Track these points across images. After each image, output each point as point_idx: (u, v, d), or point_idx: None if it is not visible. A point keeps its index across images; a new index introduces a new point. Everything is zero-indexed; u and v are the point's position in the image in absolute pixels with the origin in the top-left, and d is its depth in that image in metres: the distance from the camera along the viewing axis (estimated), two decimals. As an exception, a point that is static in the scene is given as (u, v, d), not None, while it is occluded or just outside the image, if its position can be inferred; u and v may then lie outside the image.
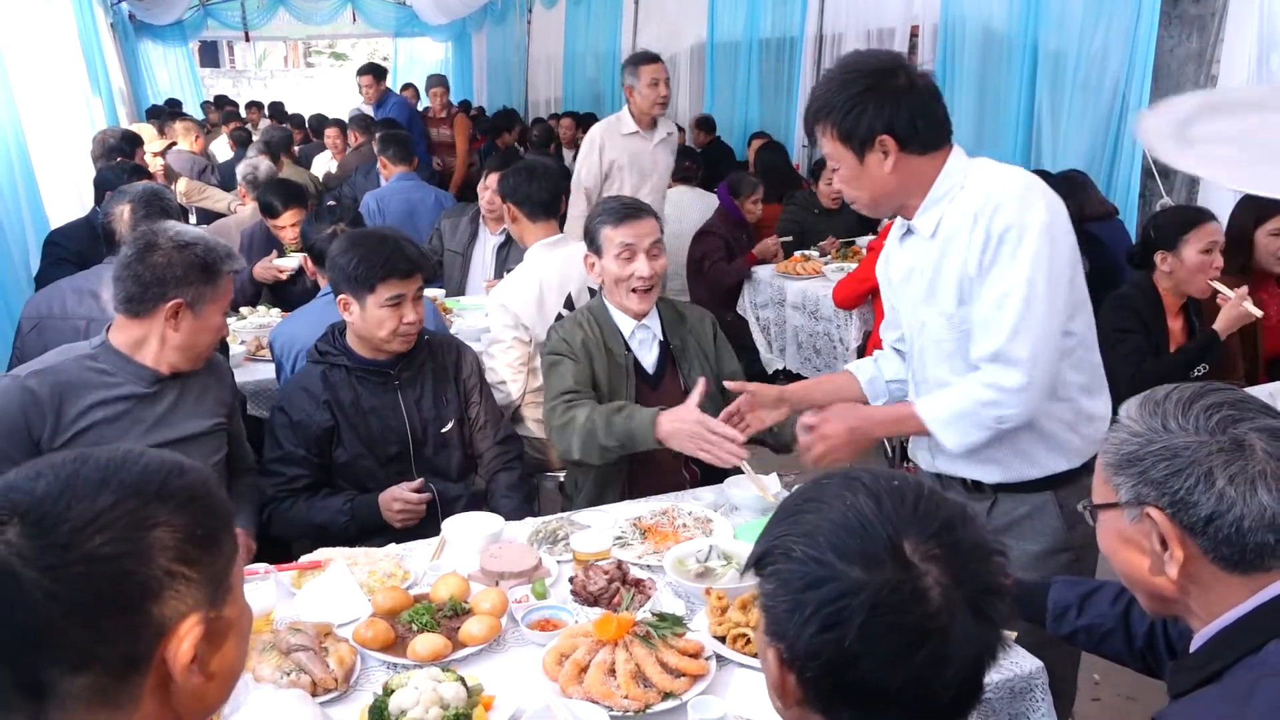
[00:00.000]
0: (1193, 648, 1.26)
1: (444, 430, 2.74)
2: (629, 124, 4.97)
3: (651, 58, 4.98)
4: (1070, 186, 4.58)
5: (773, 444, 2.69)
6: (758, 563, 1.05)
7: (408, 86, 12.88)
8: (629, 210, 2.73)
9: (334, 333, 2.72)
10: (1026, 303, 1.90)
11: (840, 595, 0.95)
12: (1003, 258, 1.91)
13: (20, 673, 0.88)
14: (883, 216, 2.17)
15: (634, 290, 2.71)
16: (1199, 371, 3.23)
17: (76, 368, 2.32)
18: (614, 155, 4.94)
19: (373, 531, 2.56)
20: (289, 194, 4.51)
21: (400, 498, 2.56)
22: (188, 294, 2.30)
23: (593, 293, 3.36)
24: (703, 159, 6.96)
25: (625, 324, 2.77)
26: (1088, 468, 2.03)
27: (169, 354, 2.36)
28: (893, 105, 1.93)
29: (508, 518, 2.42)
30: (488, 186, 4.43)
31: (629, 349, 2.76)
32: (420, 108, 10.02)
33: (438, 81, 9.80)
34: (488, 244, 4.59)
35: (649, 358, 2.79)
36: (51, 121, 6.26)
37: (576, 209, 4.79)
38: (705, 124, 8.66)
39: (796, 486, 1.14)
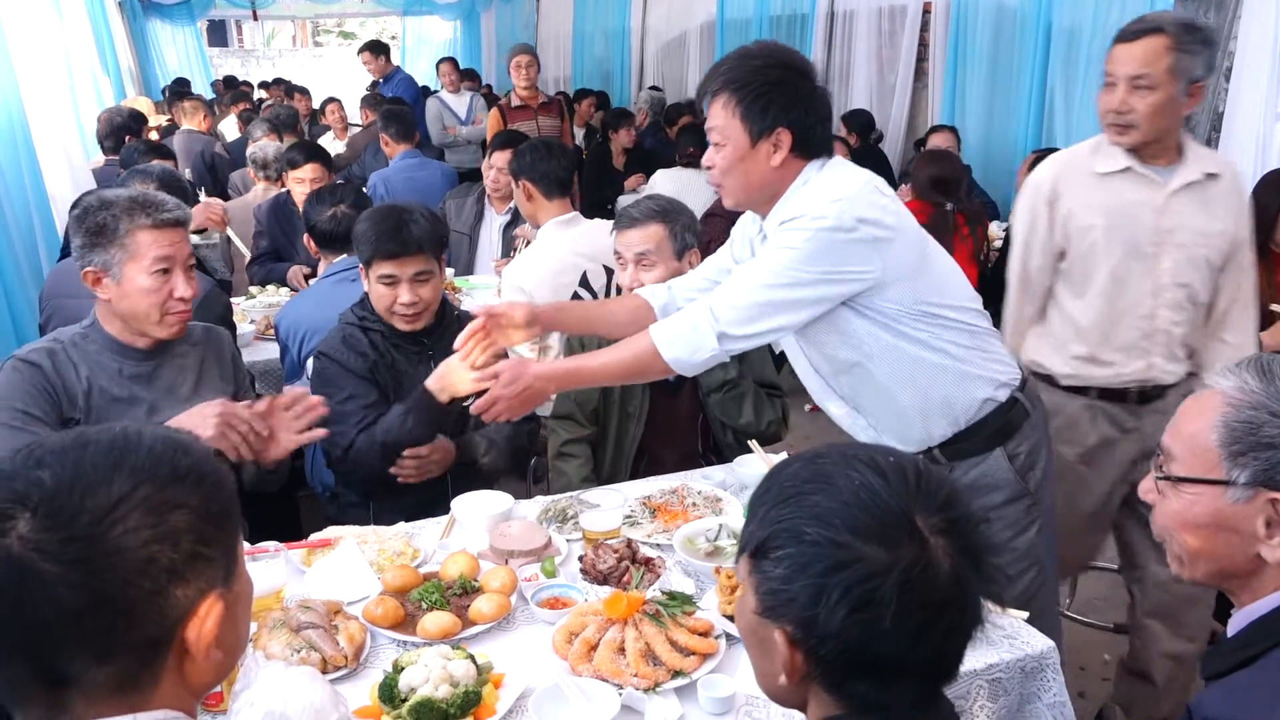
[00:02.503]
0: (1230, 631, 1.23)
1: (465, 404, 2.72)
2: (1111, 156, 2.53)
3: (1144, 29, 2.42)
4: None
5: (758, 435, 2.67)
6: (759, 547, 1.03)
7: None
8: (624, 221, 2.76)
9: (366, 300, 2.69)
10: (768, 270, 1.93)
11: (869, 576, 0.95)
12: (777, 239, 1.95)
13: (41, 666, 0.87)
14: (741, 210, 2.15)
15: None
16: None
17: (74, 348, 2.22)
18: (1073, 208, 2.55)
19: (437, 425, 2.53)
20: (313, 150, 4.65)
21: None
22: (95, 260, 2.13)
23: (608, 270, 3.35)
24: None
25: None
26: (1018, 408, 2.11)
27: (122, 325, 2.21)
28: (802, 104, 1.97)
29: (495, 458, 2.60)
30: (492, 165, 4.41)
31: None
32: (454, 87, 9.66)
33: (523, 50, 6.78)
34: (494, 223, 4.58)
35: None
36: (59, 102, 6.24)
37: (1012, 304, 2.73)
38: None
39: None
